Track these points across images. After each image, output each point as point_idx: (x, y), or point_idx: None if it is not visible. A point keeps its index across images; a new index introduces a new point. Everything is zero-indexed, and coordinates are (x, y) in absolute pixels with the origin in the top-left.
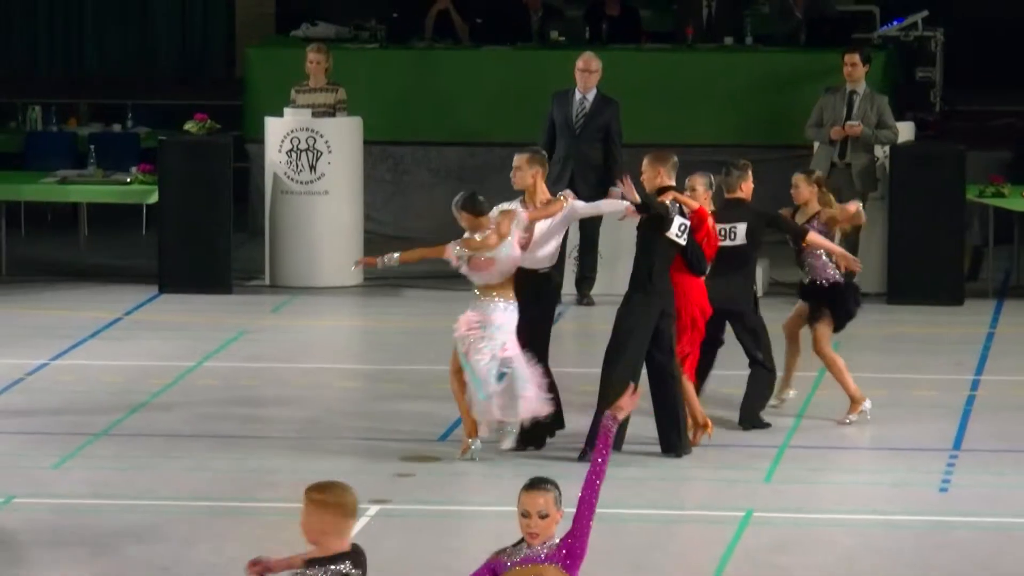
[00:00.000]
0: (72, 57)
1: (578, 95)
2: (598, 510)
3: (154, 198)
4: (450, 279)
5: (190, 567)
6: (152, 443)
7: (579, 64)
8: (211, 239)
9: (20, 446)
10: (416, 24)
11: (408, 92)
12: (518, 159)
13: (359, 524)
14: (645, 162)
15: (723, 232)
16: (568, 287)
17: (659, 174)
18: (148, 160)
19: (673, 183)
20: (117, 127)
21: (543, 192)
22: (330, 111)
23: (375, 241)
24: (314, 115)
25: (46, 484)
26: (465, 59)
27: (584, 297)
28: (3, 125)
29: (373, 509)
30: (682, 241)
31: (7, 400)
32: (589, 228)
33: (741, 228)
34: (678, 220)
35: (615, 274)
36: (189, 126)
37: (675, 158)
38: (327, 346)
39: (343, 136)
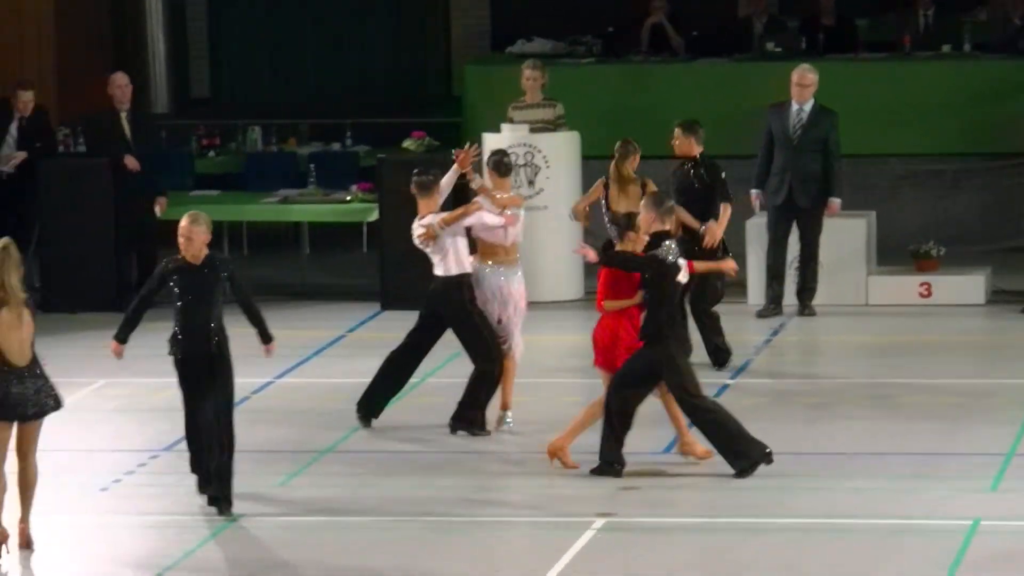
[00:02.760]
0: (291, 78)
1: (795, 106)
2: (826, 520)
3: (374, 216)
4: None
5: None
6: (377, 460)
7: (794, 78)
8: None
9: (246, 464)
10: (632, 38)
11: (624, 106)
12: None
13: (582, 539)
14: (642, 204)
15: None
16: (789, 298)
17: (652, 219)
18: (367, 178)
19: (668, 228)
20: (336, 146)
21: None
22: (549, 127)
23: None
24: (532, 131)
25: (273, 502)
26: (681, 72)
27: (805, 308)
28: (224, 147)
29: (599, 522)
30: (684, 279)
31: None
32: (809, 238)
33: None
34: (682, 262)
35: (835, 284)
36: (407, 144)
37: (671, 202)
38: (549, 360)
39: (561, 151)
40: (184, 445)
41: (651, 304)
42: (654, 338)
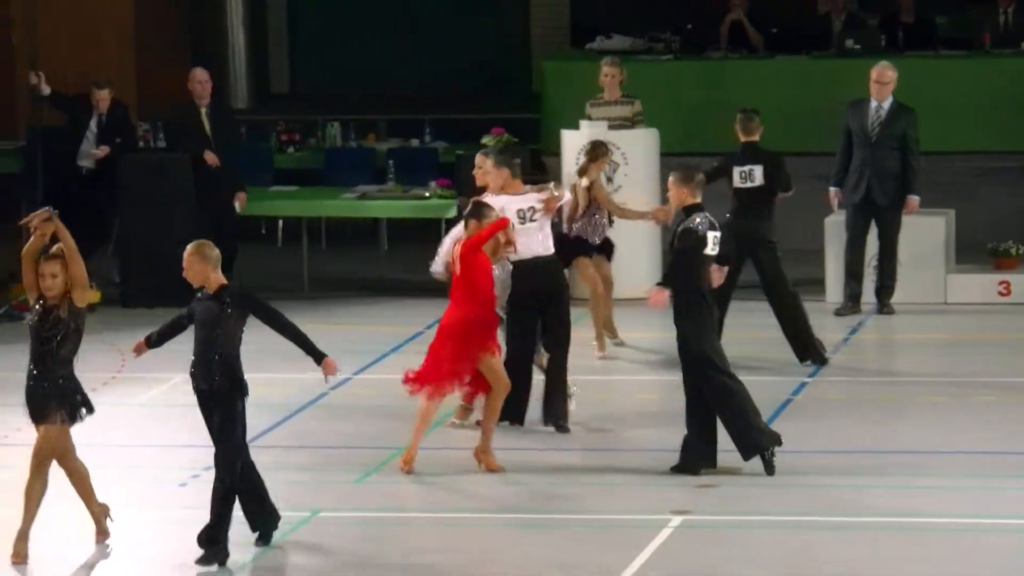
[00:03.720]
0: (370, 74)
1: (873, 103)
2: (903, 518)
3: (452, 212)
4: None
5: None
6: (453, 456)
7: (873, 76)
8: None
9: (324, 460)
10: (711, 35)
11: (703, 103)
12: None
13: (659, 536)
14: (670, 181)
15: (742, 175)
16: (868, 295)
17: (684, 193)
18: (446, 175)
19: (699, 200)
20: (415, 142)
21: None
22: (627, 123)
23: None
24: (610, 128)
25: (350, 498)
26: (760, 69)
27: (884, 306)
28: (304, 142)
29: (676, 520)
30: (715, 252)
31: (310, 415)
32: (888, 236)
33: (758, 170)
34: (712, 234)
35: (913, 283)
36: (486, 140)
37: (700, 176)
38: (629, 357)
39: (639, 148)
40: (260, 442)
41: (680, 278)
42: (684, 312)
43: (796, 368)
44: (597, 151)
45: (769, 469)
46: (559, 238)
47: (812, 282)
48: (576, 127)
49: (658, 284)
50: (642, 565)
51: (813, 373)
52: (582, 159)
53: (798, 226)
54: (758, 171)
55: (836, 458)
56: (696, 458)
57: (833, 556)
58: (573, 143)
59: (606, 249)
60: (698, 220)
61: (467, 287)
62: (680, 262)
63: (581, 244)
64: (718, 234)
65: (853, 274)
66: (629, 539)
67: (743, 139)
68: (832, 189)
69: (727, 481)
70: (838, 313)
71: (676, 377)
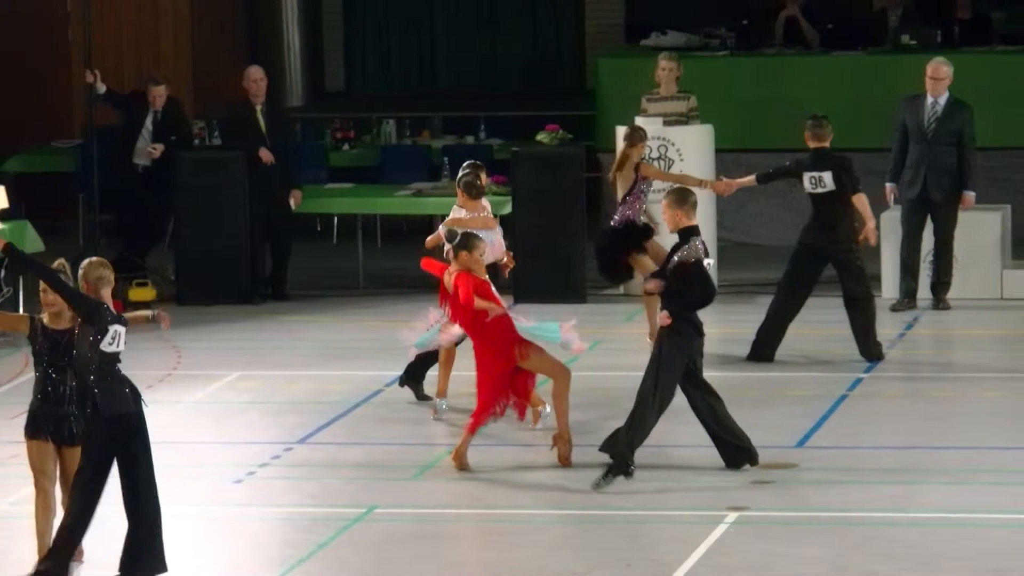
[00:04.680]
0: (425, 71)
1: (929, 99)
2: (960, 514)
3: (507, 209)
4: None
5: (550, 575)
6: (509, 453)
7: (928, 71)
8: (564, 248)
9: (381, 457)
10: (766, 31)
11: (758, 99)
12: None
13: (715, 532)
14: (664, 203)
15: (812, 180)
16: (924, 291)
17: (679, 216)
18: (501, 171)
19: (694, 223)
20: (470, 139)
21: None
22: (682, 119)
23: (728, 249)
24: (665, 123)
25: (407, 495)
26: (815, 65)
27: (940, 301)
28: (358, 139)
29: (731, 516)
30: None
31: (367, 412)
32: (943, 231)
33: (828, 176)
34: (706, 261)
35: (969, 278)
36: (541, 137)
37: (694, 197)
38: None
39: (695, 144)
40: (316, 439)
41: (675, 295)
42: (671, 333)
43: (852, 364)
44: (635, 136)
45: (601, 484)
46: (610, 231)
47: (868, 278)
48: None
49: (662, 308)
50: (697, 561)
51: (868, 369)
52: (621, 147)
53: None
54: (827, 177)
55: (891, 454)
56: (733, 455)
57: (887, 552)
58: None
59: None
60: (698, 244)
61: (479, 330)
62: (681, 287)
63: (645, 228)
64: (711, 261)
65: (909, 270)
66: (685, 535)
67: (813, 145)
68: (888, 185)
69: (783, 477)
70: (894, 309)
71: (731, 373)
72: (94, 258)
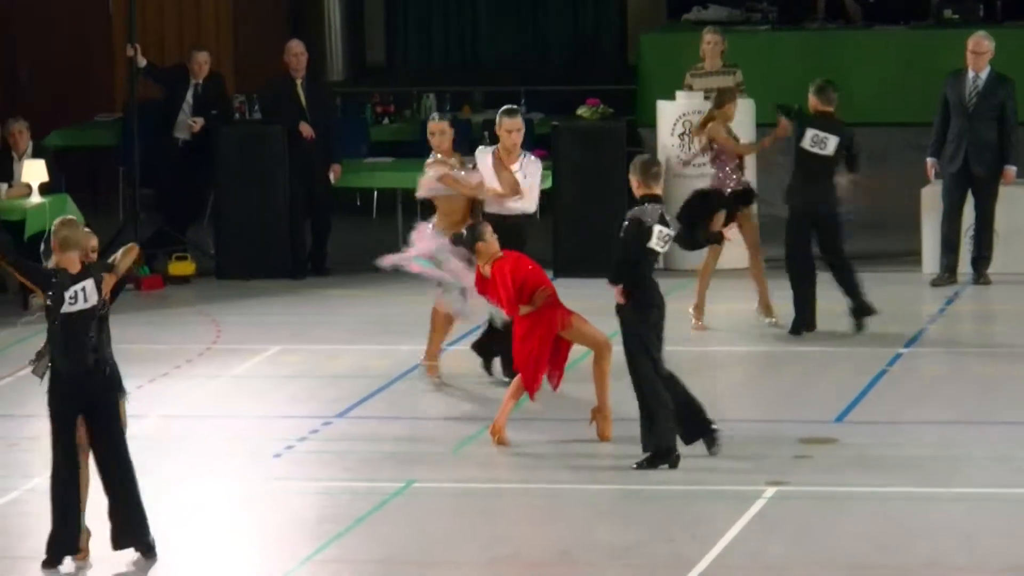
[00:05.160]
0: (466, 46)
1: (971, 74)
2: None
3: (548, 183)
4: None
5: (589, 550)
6: (551, 427)
7: (969, 45)
8: (605, 223)
9: (420, 431)
10: (808, 5)
11: (800, 74)
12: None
13: (754, 507)
14: (630, 171)
15: (815, 139)
16: (964, 266)
17: (639, 184)
18: (542, 146)
19: (657, 192)
20: None
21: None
22: None
23: (770, 225)
24: (706, 98)
25: (446, 469)
26: (858, 39)
27: (980, 276)
28: (399, 114)
29: (771, 491)
30: (660, 250)
31: (406, 387)
32: (984, 206)
33: (832, 141)
34: (659, 228)
35: (1011, 253)
36: (582, 111)
37: (658, 167)
38: (722, 327)
39: (736, 118)
40: (356, 413)
41: (624, 271)
42: (625, 304)
43: (892, 339)
44: (724, 97)
45: (650, 464)
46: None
47: (909, 253)
48: (672, 98)
49: (609, 281)
50: (736, 536)
51: (908, 344)
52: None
53: (894, 197)
54: (832, 141)
55: (931, 429)
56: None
57: (927, 528)
58: (669, 114)
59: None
60: (648, 209)
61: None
62: (625, 254)
63: (744, 194)
64: (668, 231)
65: (950, 245)
66: (724, 510)
67: (820, 108)
68: (929, 160)
69: (822, 452)
70: (934, 284)
71: (772, 348)
72: (66, 217)
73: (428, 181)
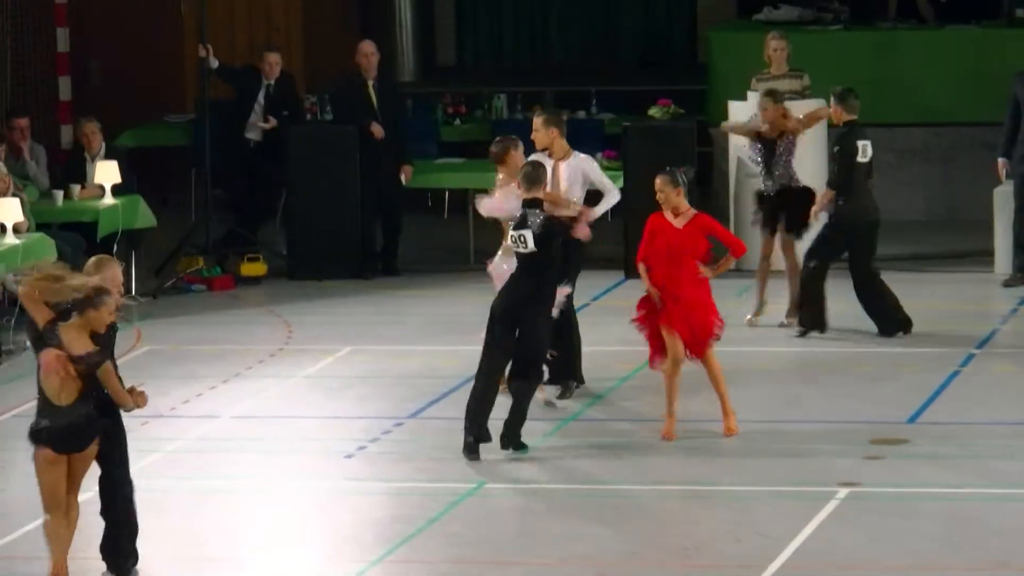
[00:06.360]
0: (537, 45)
1: None
2: None
3: (619, 184)
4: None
5: (659, 551)
6: (620, 429)
7: None
8: None
9: (491, 432)
10: (880, 4)
11: (872, 74)
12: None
13: (827, 508)
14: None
15: (863, 149)
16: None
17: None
18: (613, 146)
19: (538, 196)
20: (581, 114)
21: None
22: (796, 96)
23: None
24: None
25: (517, 470)
26: (930, 39)
27: None
28: (470, 114)
29: (843, 492)
30: (521, 249)
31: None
32: None
33: (871, 147)
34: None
35: None
36: (653, 111)
37: (535, 172)
38: (782, 327)
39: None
40: (427, 414)
41: (544, 265)
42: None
43: (964, 339)
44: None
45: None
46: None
47: (981, 253)
48: (743, 98)
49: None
50: (808, 537)
51: (980, 344)
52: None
53: (967, 197)
54: (871, 147)
55: (1004, 429)
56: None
57: (999, 527)
58: (740, 114)
59: None
60: (529, 214)
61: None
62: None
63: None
64: (525, 233)
65: (1022, 245)
66: (796, 511)
67: (847, 117)
68: (1000, 160)
69: (894, 452)
70: (1007, 284)
71: (846, 348)
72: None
73: (494, 203)
